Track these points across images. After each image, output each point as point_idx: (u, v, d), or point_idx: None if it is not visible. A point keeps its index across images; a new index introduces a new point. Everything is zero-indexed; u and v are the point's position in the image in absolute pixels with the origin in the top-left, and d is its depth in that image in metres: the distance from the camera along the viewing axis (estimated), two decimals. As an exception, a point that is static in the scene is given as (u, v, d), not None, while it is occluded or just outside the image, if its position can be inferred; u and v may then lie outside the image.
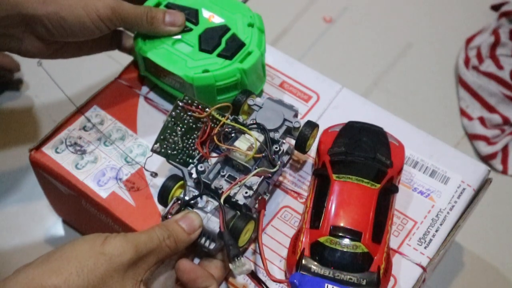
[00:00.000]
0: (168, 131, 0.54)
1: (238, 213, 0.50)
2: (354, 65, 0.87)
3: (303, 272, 0.49)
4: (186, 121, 0.54)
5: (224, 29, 0.58)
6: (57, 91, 0.60)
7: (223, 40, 0.58)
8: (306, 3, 0.93)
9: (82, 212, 0.60)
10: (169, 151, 0.54)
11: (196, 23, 0.59)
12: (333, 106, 0.62)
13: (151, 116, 0.61)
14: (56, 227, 0.71)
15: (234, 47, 0.57)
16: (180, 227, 0.47)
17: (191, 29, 0.59)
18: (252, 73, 0.58)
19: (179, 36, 0.59)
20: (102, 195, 0.56)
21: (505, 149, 0.78)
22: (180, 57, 0.57)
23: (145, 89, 0.63)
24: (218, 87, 0.57)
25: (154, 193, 0.56)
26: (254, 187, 0.51)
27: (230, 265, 0.47)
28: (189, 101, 0.54)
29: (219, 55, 0.57)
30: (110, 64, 0.84)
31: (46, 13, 0.53)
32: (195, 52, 0.58)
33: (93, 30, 0.55)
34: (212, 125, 0.54)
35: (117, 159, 0.58)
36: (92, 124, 0.60)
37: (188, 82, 0.56)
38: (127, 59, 0.65)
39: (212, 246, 0.49)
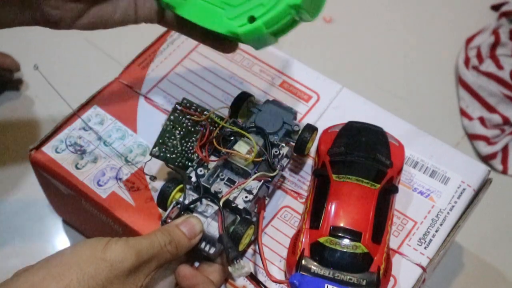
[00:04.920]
0: (167, 134, 0.53)
1: (238, 217, 0.50)
2: (354, 65, 0.87)
3: (303, 273, 0.49)
4: (184, 125, 0.54)
5: None
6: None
7: None
8: (306, 3, 0.93)
9: (82, 212, 0.60)
10: (168, 155, 0.53)
11: None
12: (333, 106, 0.62)
13: (151, 116, 0.61)
14: (56, 227, 0.71)
15: None
16: (181, 232, 0.47)
17: None
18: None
19: None
20: (102, 195, 0.56)
21: (505, 149, 0.78)
22: (215, 4, 0.47)
23: (145, 89, 0.63)
24: (272, 32, 0.47)
25: (154, 193, 0.56)
26: (254, 191, 0.50)
27: (229, 268, 0.47)
28: (188, 104, 0.54)
29: None
30: (110, 64, 0.84)
31: None
32: None
33: None
34: (211, 128, 0.54)
35: (117, 159, 0.58)
36: (89, 127, 0.60)
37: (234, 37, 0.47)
38: (127, 59, 0.65)
39: (212, 250, 0.48)
